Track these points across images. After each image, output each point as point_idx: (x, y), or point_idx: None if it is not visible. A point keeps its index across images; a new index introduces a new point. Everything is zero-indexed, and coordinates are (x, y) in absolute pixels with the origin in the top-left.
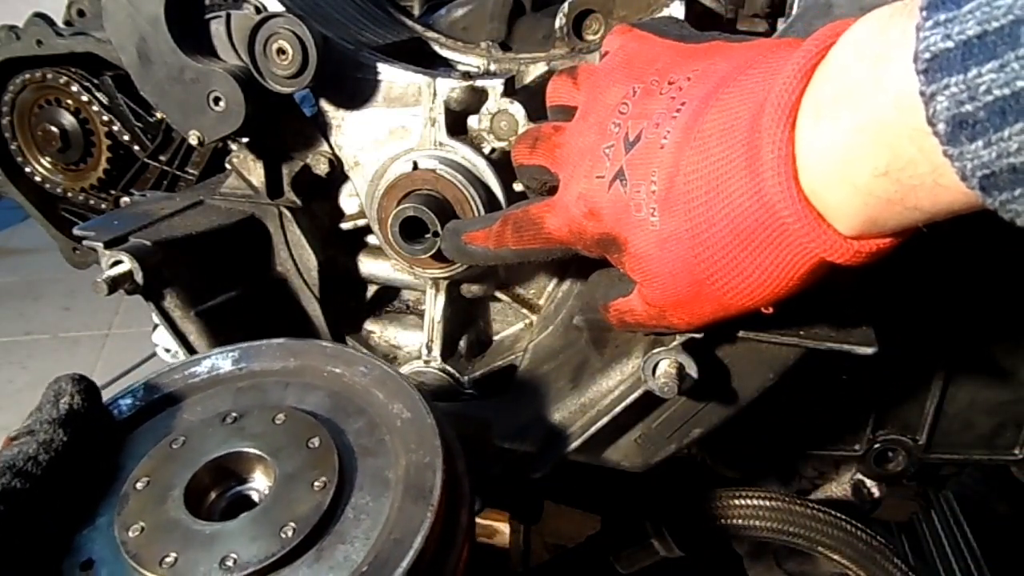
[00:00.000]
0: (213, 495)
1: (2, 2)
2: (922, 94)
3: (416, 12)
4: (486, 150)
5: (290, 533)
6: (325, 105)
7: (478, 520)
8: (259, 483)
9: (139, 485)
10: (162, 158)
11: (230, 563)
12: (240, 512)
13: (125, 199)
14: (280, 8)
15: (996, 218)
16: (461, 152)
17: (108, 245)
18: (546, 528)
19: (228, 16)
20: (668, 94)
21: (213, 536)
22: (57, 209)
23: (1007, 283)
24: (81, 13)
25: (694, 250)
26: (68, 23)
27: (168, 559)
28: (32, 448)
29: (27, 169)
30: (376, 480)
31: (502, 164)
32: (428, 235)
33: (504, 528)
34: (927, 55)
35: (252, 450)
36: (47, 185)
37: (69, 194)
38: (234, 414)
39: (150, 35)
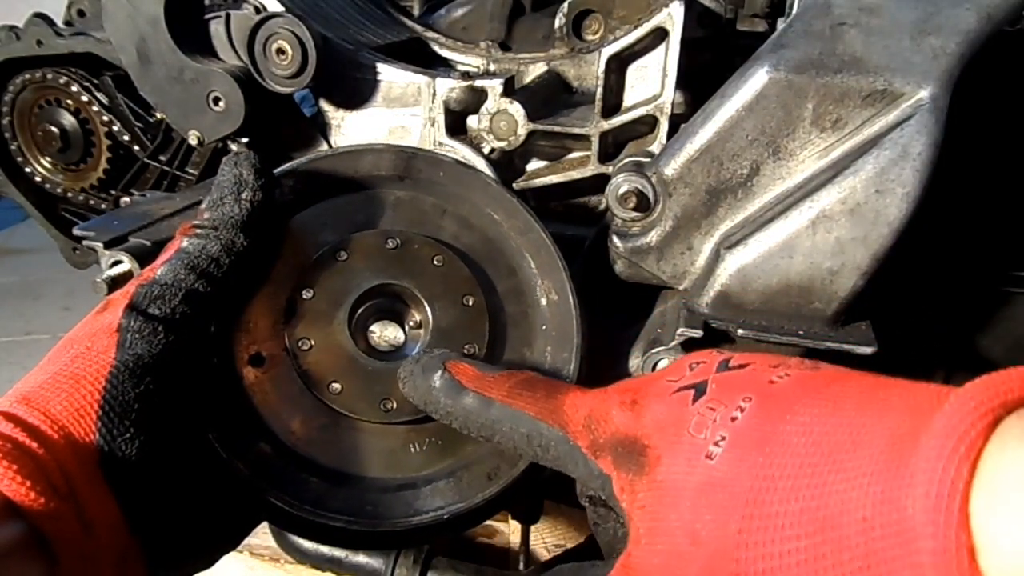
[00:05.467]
0: (370, 319)
1: (2, 2)
2: None
3: (416, 12)
4: (486, 150)
5: None
6: (325, 105)
7: None
8: (412, 321)
9: (305, 294)
10: (162, 158)
11: (389, 406)
12: (392, 345)
13: (125, 199)
14: (280, 8)
15: (993, 219)
16: (461, 152)
17: (108, 245)
18: (546, 528)
19: (228, 16)
20: (796, 359)
21: (374, 375)
22: (57, 209)
23: (1006, 282)
24: (81, 13)
25: (749, 520)
26: (68, 23)
27: (335, 386)
28: (214, 249)
29: (27, 169)
30: (514, 356)
31: (502, 164)
32: None
33: (504, 528)
34: None
35: (412, 289)
36: (47, 185)
37: (69, 194)
38: (396, 240)
39: (150, 35)
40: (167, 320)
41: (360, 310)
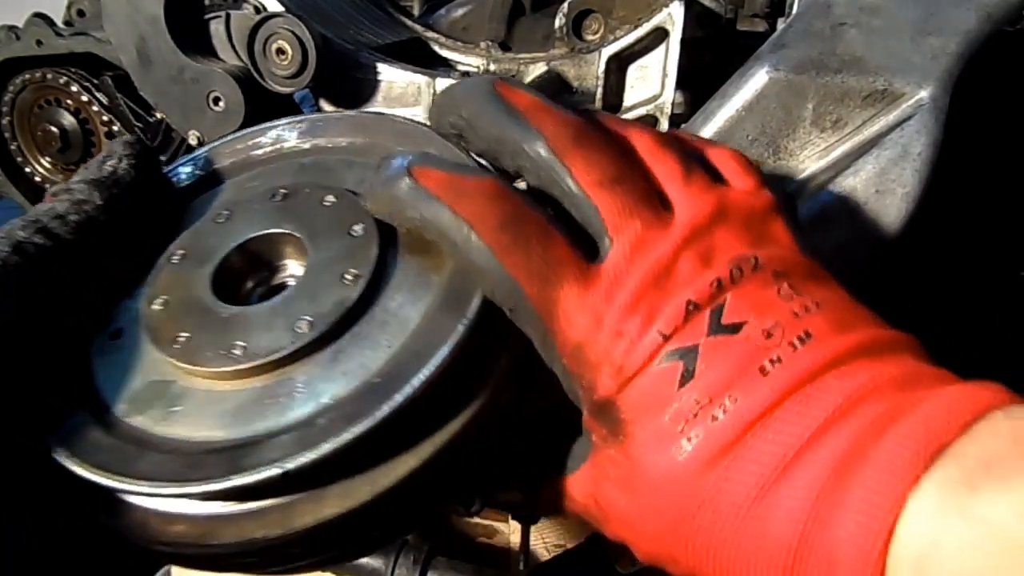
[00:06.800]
0: (246, 276)
1: (2, 2)
2: None
3: (416, 12)
4: None
5: (304, 328)
6: (325, 105)
7: (478, 520)
8: (293, 269)
9: (175, 258)
10: (162, 158)
11: (237, 352)
12: (261, 292)
13: None
14: (280, 8)
15: (993, 219)
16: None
17: None
18: (546, 528)
19: (228, 16)
20: (788, 303)
21: (229, 321)
22: None
23: (1008, 283)
24: (81, 13)
25: (700, 519)
26: (68, 23)
27: (180, 338)
28: (63, 207)
29: (27, 169)
30: (418, 282)
31: None
32: None
33: (504, 528)
34: None
35: (289, 231)
36: (47, 185)
37: None
38: (283, 191)
39: (150, 35)
40: None
41: (231, 262)
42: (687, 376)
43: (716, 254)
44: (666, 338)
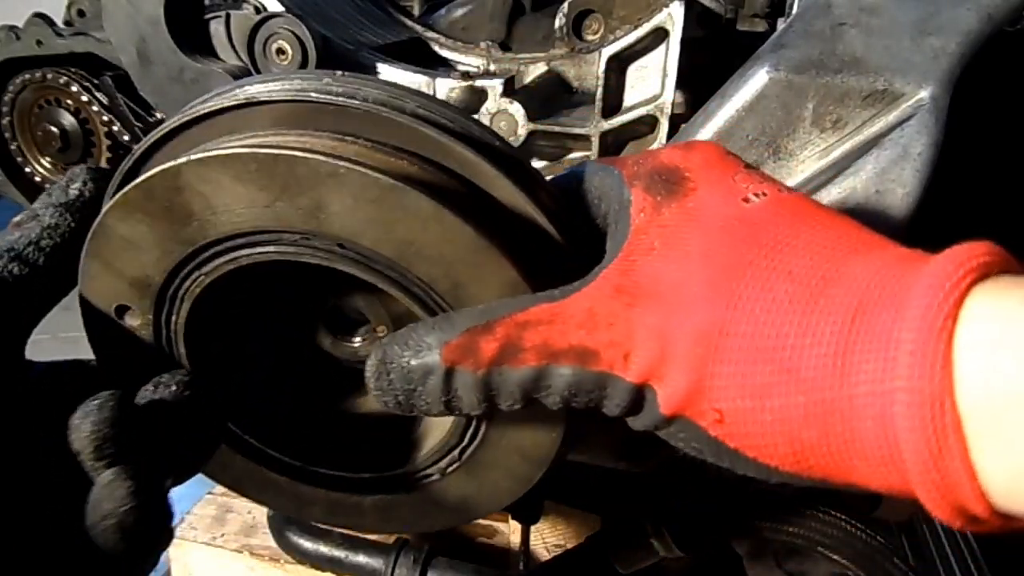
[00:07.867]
0: None
1: (2, 2)
2: None
3: (416, 12)
4: None
5: None
6: None
7: (478, 520)
8: None
9: None
10: None
11: None
12: None
13: None
14: (280, 8)
15: (993, 219)
16: None
17: None
18: (546, 528)
19: (228, 16)
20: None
21: None
22: None
23: None
24: (81, 13)
25: (764, 257)
26: (68, 23)
27: None
28: (35, 232)
29: (27, 169)
30: None
31: None
32: None
33: (504, 528)
34: None
35: None
36: (47, 185)
37: None
38: None
39: (150, 35)
40: None
41: None
42: (750, 167)
43: None
44: (727, 152)
